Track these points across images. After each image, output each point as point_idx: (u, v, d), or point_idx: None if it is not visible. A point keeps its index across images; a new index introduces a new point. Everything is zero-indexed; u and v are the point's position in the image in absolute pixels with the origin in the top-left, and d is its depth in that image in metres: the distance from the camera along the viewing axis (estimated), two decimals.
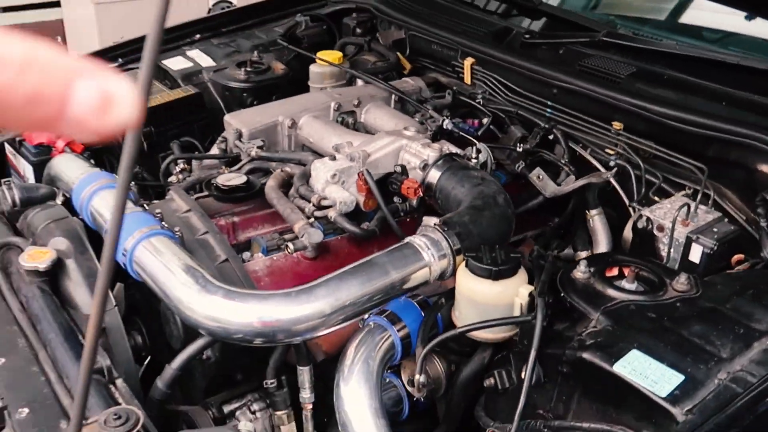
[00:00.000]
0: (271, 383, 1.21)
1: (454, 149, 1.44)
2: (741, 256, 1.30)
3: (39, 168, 1.64)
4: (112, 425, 0.94)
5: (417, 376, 1.13)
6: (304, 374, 1.21)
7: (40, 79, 0.27)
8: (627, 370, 0.98)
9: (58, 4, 3.29)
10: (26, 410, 0.99)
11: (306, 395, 1.22)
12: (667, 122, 1.43)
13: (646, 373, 0.97)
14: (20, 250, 1.26)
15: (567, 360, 1.05)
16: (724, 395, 0.93)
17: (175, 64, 2.00)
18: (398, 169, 1.39)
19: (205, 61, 2.02)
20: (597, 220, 1.55)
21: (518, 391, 1.10)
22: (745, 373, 0.96)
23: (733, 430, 0.91)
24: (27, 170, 1.69)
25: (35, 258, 1.20)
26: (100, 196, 1.32)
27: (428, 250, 1.17)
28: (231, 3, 3.24)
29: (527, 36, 1.79)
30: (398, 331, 1.20)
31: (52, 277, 1.22)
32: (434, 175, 1.38)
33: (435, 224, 1.21)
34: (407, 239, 1.19)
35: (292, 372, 1.25)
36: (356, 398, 1.13)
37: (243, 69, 1.90)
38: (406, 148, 1.43)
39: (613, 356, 0.99)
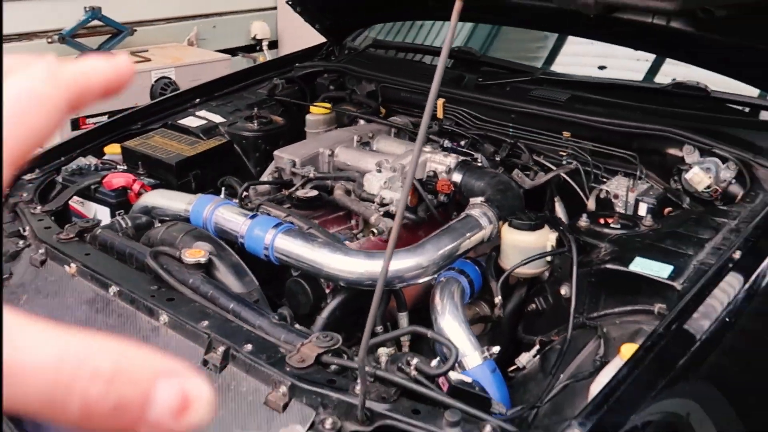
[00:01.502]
0: (380, 328, 1.63)
1: (463, 158, 1.96)
2: (670, 208, 1.91)
3: (116, 207, 1.97)
4: (323, 340, 1.33)
5: (497, 299, 1.61)
6: (403, 318, 1.65)
7: (127, 387, 0.26)
8: (638, 268, 1.52)
9: None
10: (249, 346, 1.35)
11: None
12: (604, 126, 2.03)
13: (650, 268, 1.51)
14: (167, 255, 1.61)
15: (594, 272, 1.57)
16: (699, 272, 1.49)
17: (192, 122, 2.38)
18: (431, 174, 1.89)
19: (215, 118, 2.42)
20: (557, 206, 2.12)
21: (555, 308, 1.62)
22: (707, 260, 1.53)
23: (709, 287, 1.47)
24: (100, 212, 2.00)
25: (194, 255, 1.56)
26: (218, 212, 1.71)
27: (483, 218, 1.67)
28: (170, 78, 3.60)
29: (480, 79, 2.37)
30: (465, 279, 1.68)
31: (206, 269, 1.58)
32: (458, 176, 1.89)
33: (481, 201, 1.71)
34: (466, 212, 1.69)
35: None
36: (453, 325, 1.58)
37: (255, 122, 2.33)
38: (431, 159, 1.93)
39: (625, 262, 1.53)
